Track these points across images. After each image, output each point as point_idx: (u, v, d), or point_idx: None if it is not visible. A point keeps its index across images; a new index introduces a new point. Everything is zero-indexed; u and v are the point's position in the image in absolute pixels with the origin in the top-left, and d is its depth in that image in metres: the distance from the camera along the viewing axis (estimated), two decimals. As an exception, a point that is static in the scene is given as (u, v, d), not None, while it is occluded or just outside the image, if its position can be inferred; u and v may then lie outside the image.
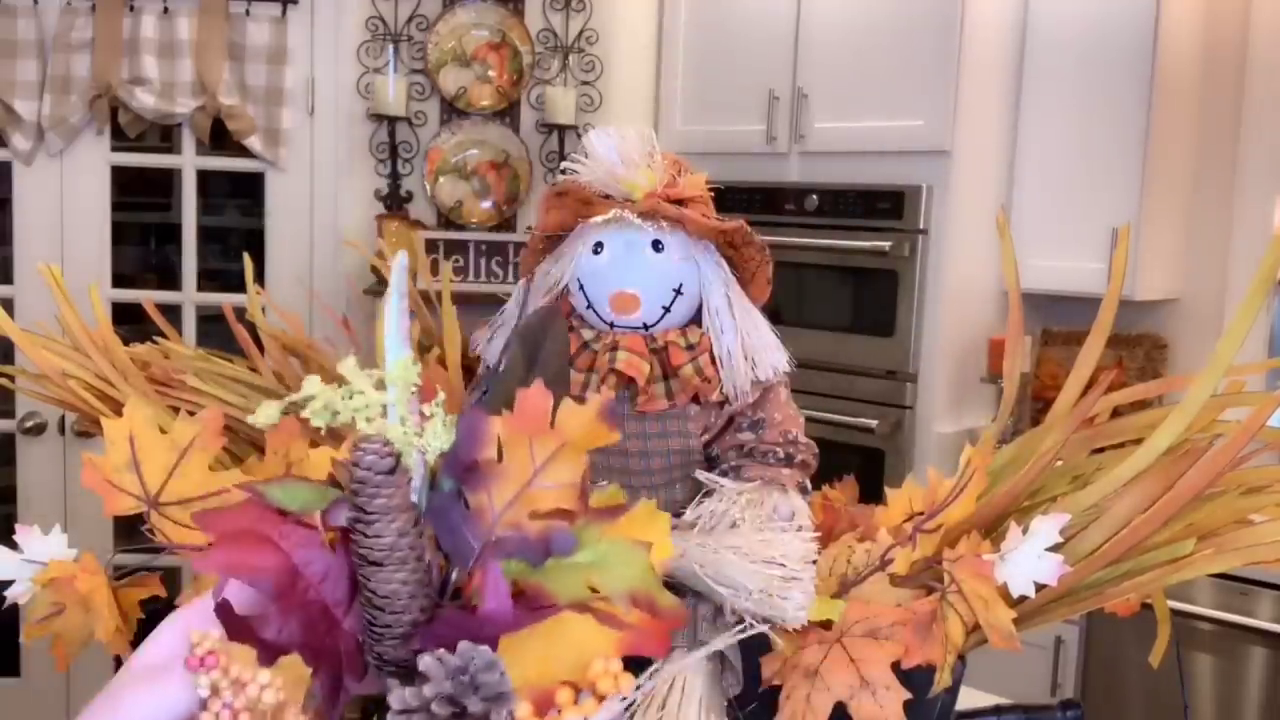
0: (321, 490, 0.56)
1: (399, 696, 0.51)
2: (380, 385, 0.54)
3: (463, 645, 0.52)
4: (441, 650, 0.52)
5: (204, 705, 0.54)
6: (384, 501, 0.52)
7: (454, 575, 0.56)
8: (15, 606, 0.84)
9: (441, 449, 0.56)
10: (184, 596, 0.80)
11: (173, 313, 2.98)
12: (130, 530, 0.85)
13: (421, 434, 0.55)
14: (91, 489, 0.79)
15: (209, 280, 3.10)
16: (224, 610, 0.53)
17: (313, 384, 0.53)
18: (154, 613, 0.89)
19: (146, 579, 0.87)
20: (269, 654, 0.52)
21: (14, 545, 0.81)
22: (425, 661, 0.51)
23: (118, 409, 0.91)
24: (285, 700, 0.54)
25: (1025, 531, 0.81)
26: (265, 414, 0.52)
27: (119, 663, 0.85)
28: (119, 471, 0.80)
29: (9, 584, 0.82)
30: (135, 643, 0.85)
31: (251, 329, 1.21)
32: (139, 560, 0.85)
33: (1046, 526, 0.80)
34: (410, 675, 0.52)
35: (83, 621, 0.81)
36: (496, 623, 0.53)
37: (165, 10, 2.91)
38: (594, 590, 0.54)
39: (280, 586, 0.53)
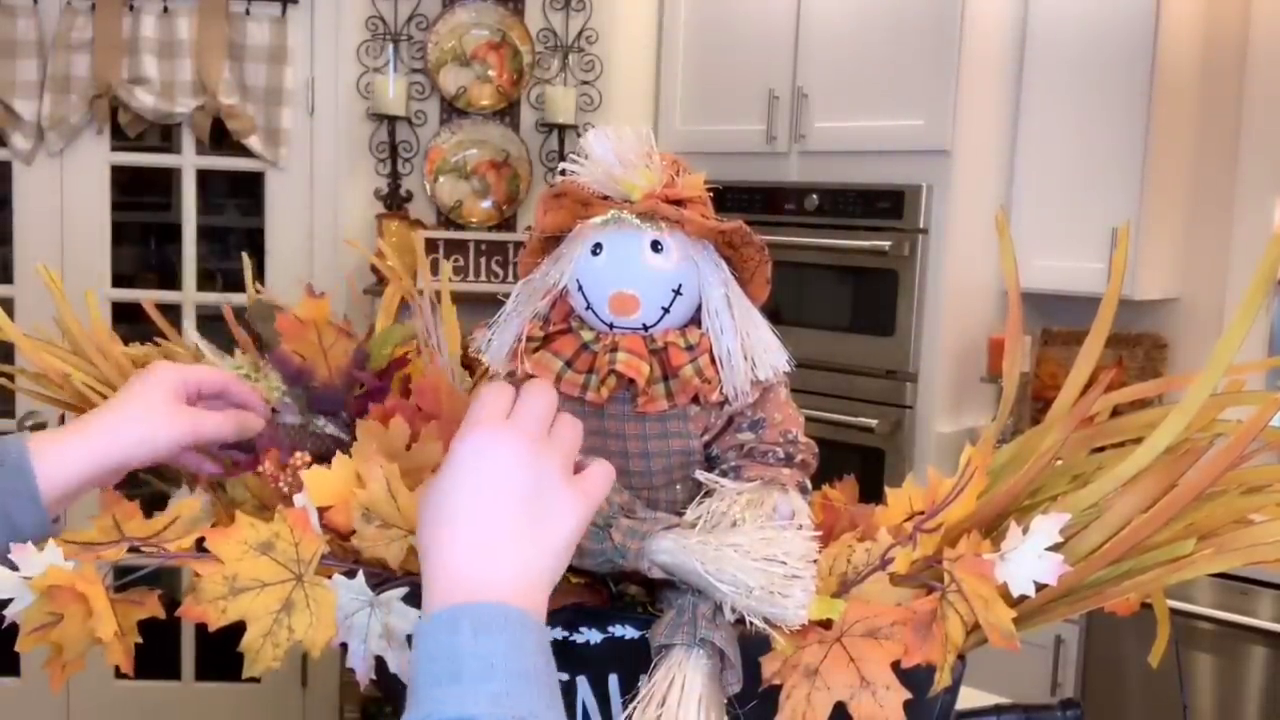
0: None
1: None
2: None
3: None
4: None
5: None
6: None
7: None
8: None
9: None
10: (185, 606, 0.79)
11: (172, 313, 2.98)
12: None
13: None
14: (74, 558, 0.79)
15: (209, 280, 3.10)
16: None
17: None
18: (152, 632, 0.87)
19: (145, 596, 0.85)
20: None
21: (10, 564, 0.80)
22: None
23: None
24: None
25: (1025, 531, 0.81)
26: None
27: (118, 672, 0.84)
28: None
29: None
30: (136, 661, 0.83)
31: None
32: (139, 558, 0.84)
33: (1046, 526, 0.80)
34: None
35: (82, 628, 0.79)
36: None
37: (165, 10, 2.91)
38: None
39: None
